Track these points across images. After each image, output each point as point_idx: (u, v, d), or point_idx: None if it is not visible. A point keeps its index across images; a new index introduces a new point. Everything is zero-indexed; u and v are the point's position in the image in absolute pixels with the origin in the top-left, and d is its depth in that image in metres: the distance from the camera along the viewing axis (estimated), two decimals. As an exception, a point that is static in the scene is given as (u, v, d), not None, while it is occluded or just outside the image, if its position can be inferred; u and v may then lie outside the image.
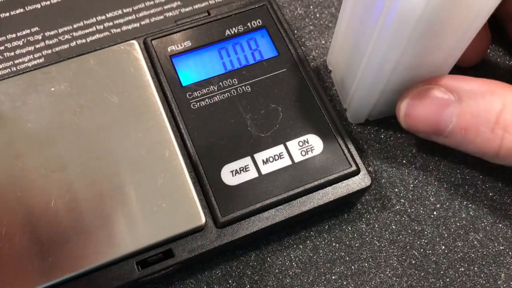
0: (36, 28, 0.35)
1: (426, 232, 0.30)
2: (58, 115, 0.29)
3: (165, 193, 0.27)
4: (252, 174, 0.28)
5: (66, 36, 0.35)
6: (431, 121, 0.27)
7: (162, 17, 0.36)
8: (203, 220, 0.27)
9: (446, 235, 0.30)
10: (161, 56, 0.31)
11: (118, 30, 0.35)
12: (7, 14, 0.36)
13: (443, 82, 0.27)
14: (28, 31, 0.35)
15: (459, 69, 0.31)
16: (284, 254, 0.29)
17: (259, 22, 0.32)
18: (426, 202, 0.31)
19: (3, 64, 0.34)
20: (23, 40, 0.35)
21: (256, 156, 0.29)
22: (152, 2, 0.36)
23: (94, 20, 0.36)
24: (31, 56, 0.34)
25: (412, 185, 0.31)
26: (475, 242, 0.30)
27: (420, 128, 0.28)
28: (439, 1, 0.22)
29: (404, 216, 0.30)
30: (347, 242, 0.30)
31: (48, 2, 0.36)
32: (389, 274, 0.29)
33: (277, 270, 0.29)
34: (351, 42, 0.29)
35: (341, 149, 0.29)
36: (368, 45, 0.27)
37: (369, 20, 0.26)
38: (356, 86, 0.30)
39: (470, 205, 0.31)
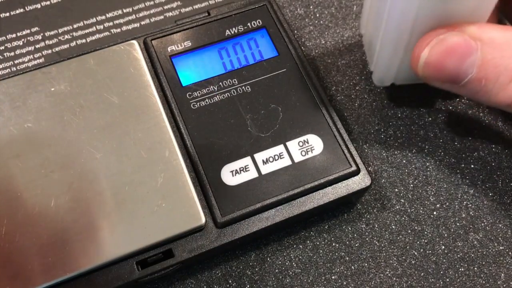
0: (36, 28, 0.35)
1: (426, 232, 0.30)
2: (58, 115, 0.29)
3: (165, 193, 0.27)
4: (252, 174, 0.28)
5: (66, 36, 0.35)
6: (451, 71, 0.26)
7: (162, 17, 0.36)
8: (203, 220, 0.27)
9: (446, 235, 0.30)
10: (161, 56, 0.31)
11: (118, 30, 0.35)
12: (7, 14, 0.36)
13: (466, 29, 0.26)
14: (28, 31, 0.35)
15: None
16: (284, 254, 0.29)
17: (259, 22, 0.32)
18: (426, 202, 0.31)
19: (3, 64, 0.34)
20: (23, 40, 0.35)
21: (256, 156, 0.29)
22: (152, 2, 0.36)
23: (94, 20, 0.36)
24: (31, 56, 0.34)
25: (412, 185, 0.31)
26: (475, 242, 0.30)
27: (439, 77, 0.27)
28: None
29: (404, 216, 0.31)
30: (347, 242, 0.30)
31: (48, 2, 0.36)
32: (389, 274, 0.29)
33: (277, 270, 0.29)
34: (376, 3, 0.29)
35: (341, 149, 0.29)
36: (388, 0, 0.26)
37: None
38: (380, 44, 0.29)
39: (470, 205, 0.31)
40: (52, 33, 0.35)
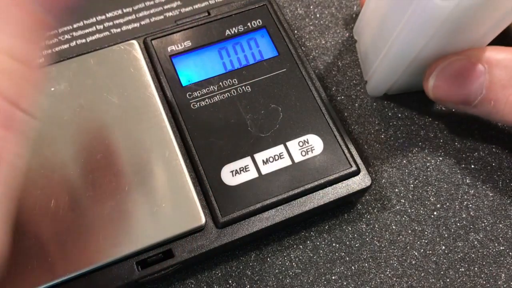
0: (36, 28, 0.35)
1: (426, 232, 0.30)
2: (58, 115, 0.29)
3: (165, 193, 0.27)
4: (252, 174, 0.28)
5: (66, 36, 0.35)
6: (460, 93, 0.27)
7: (162, 17, 0.36)
8: (203, 220, 0.27)
9: (446, 235, 0.30)
10: (161, 56, 0.31)
11: (118, 30, 0.35)
12: (7, 14, 0.35)
13: (473, 53, 0.27)
14: (28, 31, 0.35)
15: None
16: (284, 254, 0.29)
17: (259, 22, 0.32)
18: (426, 202, 0.31)
19: (3, 64, 0.34)
20: (23, 40, 0.35)
21: (256, 156, 0.29)
22: (152, 2, 0.36)
23: (94, 20, 0.36)
24: (31, 56, 0.34)
25: (412, 185, 0.31)
26: (475, 243, 0.30)
27: (449, 99, 0.28)
28: (468, 3, 0.23)
29: (404, 216, 0.30)
30: (347, 242, 0.30)
31: (48, 2, 0.36)
32: (389, 275, 0.29)
33: (277, 270, 0.29)
34: (378, 20, 0.30)
35: (341, 149, 0.29)
36: (394, 32, 0.27)
37: (397, 8, 0.27)
38: (378, 64, 0.31)
39: (470, 205, 0.31)
40: (52, 33, 0.35)
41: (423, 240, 0.30)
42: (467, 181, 0.31)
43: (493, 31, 0.26)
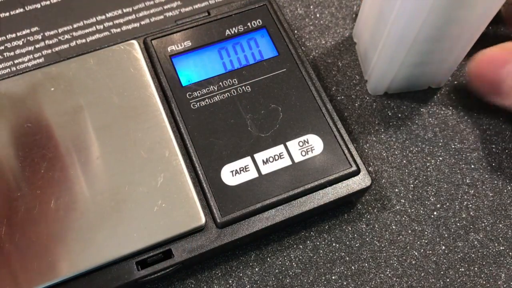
0: (36, 28, 0.35)
1: (426, 232, 0.30)
2: (58, 115, 0.29)
3: (165, 193, 0.27)
4: (252, 174, 0.28)
5: (66, 36, 0.35)
6: (489, 78, 0.29)
7: (162, 17, 0.36)
8: (203, 220, 0.27)
9: (446, 235, 0.30)
10: (161, 56, 0.31)
11: (118, 30, 0.35)
12: (7, 14, 0.36)
13: (507, 45, 0.29)
14: (28, 31, 0.35)
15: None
16: (284, 254, 0.29)
17: (259, 22, 0.32)
18: (426, 202, 0.31)
19: (3, 64, 0.34)
20: (23, 40, 0.35)
21: (256, 156, 0.29)
22: (152, 2, 0.36)
23: (94, 20, 0.36)
24: (31, 56, 0.34)
25: (412, 185, 0.31)
26: (475, 243, 0.30)
27: (480, 84, 0.29)
28: None
29: (404, 216, 0.30)
30: (347, 242, 0.30)
31: (48, 2, 0.36)
32: (389, 274, 0.29)
33: (277, 270, 0.29)
34: (376, 13, 0.30)
35: (341, 149, 0.29)
36: (391, 16, 0.28)
37: None
38: (377, 57, 0.31)
39: (470, 205, 0.31)
40: (52, 33, 0.35)
41: (423, 240, 0.30)
42: (467, 181, 0.31)
43: (487, 12, 0.27)
